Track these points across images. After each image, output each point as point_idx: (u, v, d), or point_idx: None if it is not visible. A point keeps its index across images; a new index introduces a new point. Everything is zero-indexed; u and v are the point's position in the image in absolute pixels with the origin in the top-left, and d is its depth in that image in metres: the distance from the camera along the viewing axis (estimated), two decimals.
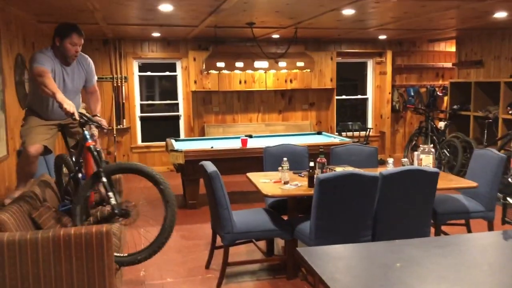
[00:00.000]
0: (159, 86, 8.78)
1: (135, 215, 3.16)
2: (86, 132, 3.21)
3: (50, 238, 2.75)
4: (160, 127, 8.48)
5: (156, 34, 7.39)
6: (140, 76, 8.32)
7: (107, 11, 5.14)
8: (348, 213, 3.37)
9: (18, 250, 2.70)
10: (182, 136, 8.31)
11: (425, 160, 4.16)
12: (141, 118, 8.37)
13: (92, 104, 3.68)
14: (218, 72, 7.90)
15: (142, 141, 8.37)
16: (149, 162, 8.01)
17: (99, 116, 3.53)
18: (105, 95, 7.96)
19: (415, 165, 4.15)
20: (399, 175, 3.46)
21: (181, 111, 8.45)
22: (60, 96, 3.08)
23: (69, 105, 3.06)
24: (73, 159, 3.60)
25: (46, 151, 3.45)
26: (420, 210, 3.56)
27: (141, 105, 8.38)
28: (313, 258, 2.15)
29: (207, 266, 3.98)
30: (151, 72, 8.48)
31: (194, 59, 7.94)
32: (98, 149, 3.21)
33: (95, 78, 3.71)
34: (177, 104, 8.51)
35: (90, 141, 3.20)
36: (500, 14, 5.55)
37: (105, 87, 7.97)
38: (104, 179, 3.09)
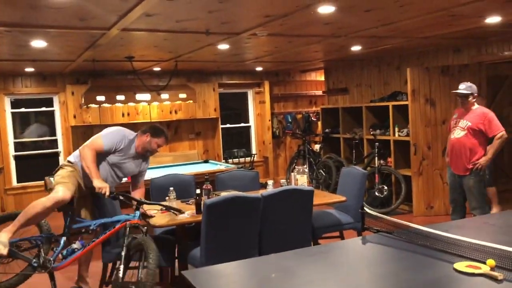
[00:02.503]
0: (35, 123, 8.31)
1: None
2: (137, 212, 3.59)
3: None
4: (39, 166, 7.99)
5: (29, 69, 7.06)
6: (13, 113, 7.83)
7: None
8: (235, 233, 3.57)
9: None
10: None
11: (300, 179, 4.56)
12: (16, 157, 7.83)
13: (135, 195, 3.92)
14: (98, 105, 7.75)
15: (18, 182, 7.81)
16: (26, 204, 7.48)
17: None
18: None
19: (293, 185, 4.52)
20: (278, 195, 3.76)
21: (60, 148, 8.08)
22: (96, 179, 3.56)
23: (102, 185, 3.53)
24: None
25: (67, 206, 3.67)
26: (300, 225, 3.88)
27: (16, 143, 7.86)
28: (197, 279, 2.29)
29: None
30: (26, 108, 8.02)
31: (73, 93, 7.71)
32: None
33: (144, 177, 4.11)
34: (56, 140, 8.13)
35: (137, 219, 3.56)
36: (356, 48, 6.34)
37: None
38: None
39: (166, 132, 3.99)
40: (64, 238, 3.60)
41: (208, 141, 9.19)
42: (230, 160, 8.87)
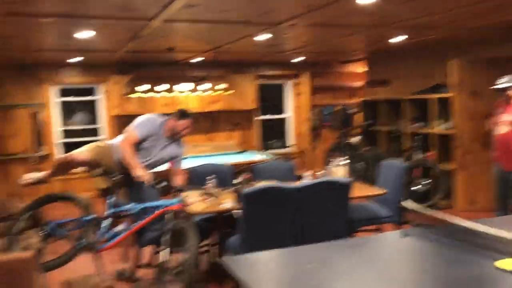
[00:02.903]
0: (79, 111, 8.60)
1: None
2: (177, 198, 3.72)
3: None
4: None
5: (75, 60, 7.30)
6: (59, 102, 8.13)
7: (23, 38, 5.06)
8: (272, 223, 3.60)
9: None
10: None
11: (338, 172, 4.52)
12: (62, 145, 8.14)
13: (174, 182, 4.10)
14: (140, 96, 7.93)
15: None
16: (72, 189, 7.77)
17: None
18: (22, 122, 7.69)
19: (329, 177, 4.49)
20: (314, 187, 3.76)
21: (103, 136, 8.34)
22: (137, 169, 3.80)
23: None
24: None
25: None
26: (337, 217, 3.86)
27: (61, 131, 8.17)
28: (234, 266, 2.33)
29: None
30: (71, 97, 8.31)
31: (116, 84, 7.91)
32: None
33: (181, 164, 4.25)
34: (99, 128, 8.39)
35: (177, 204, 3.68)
36: (398, 38, 6.18)
37: (22, 114, 7.70)
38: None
39: (192, 114, 4.20)
40: (106, 221, 3.75)
41: (245, 132, 9.24)
42: (267, 151, 8.88)
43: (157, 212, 3.69)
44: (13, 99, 7.64)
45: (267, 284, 2.14)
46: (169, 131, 4.09)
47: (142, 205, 3.79)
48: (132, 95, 7.82)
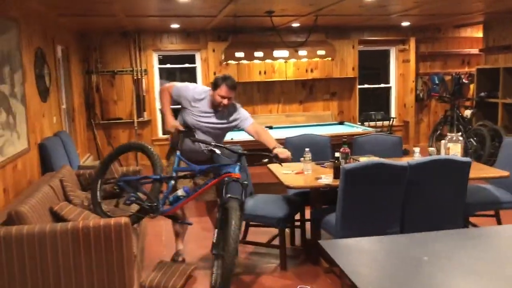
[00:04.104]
0: (179, 79, 8.75)
1: None
2: (238, 165, 3.31)
3: (69, 230, 2.74)
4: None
5: (175, 26, 7.35)
6: (160, 69, 8.31)
7: (125, 3, 5.11)
8: (375, 204, 3.26)
9: (37, 242, 2.69)
10: None
11: (453, 149, 4.00)
12: (162, 111, 8.36)
13: (264, 141, 3.71)
14: (237, 62, 7.81)
15: (163, 134, 8.37)
16: None
17: (278, 147, 3.56)
18: (125, 88, 7.99)
19: (443, 154, 4.00)
20: (428, 165, 3.32)
21: None
22: (168, 117, 3.82)
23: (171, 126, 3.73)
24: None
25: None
26: (452, 201, 3.41)
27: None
28: (336, 252, 2.07)
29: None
30: (171, 64, 8.46)
31: (214, 50, 7.86)
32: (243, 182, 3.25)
33: (249, 121, 3.79)
34: None
35: (238, 173, 3.28)
36: None
37: (125, 80, 7.99)
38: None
39: (229, 79, 3.67)
40: (172, 182, 3.55)
41: (343, 102, 8.78)
42: (366, 123, 8.36)
43: (216, 179, 3.35)
44: (117, 65, 7.94)
45: (377, 278, 1.84)
46: (211, 103, 3.71)
47: (203, 167, 3.47)
48: (230, 62, 7.72)
